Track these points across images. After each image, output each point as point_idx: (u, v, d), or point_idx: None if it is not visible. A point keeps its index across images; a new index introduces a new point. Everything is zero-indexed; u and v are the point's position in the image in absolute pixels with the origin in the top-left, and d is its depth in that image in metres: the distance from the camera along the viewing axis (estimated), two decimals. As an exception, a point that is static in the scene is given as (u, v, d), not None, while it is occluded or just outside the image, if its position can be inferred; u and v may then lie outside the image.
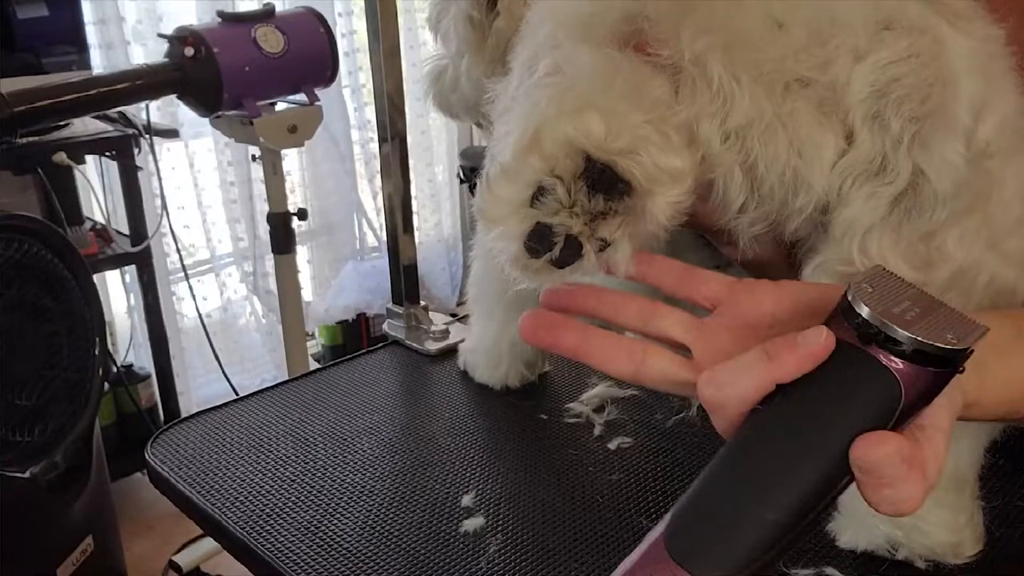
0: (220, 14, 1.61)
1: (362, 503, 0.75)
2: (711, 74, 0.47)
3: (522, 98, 0.49)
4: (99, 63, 2.10)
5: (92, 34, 2.09)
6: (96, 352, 1.43)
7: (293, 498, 0.76)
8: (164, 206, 2.06)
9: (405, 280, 1.11)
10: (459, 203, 3.15)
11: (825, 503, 0.38)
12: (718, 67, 0.47)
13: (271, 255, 1.84)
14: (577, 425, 0.86)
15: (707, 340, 0.45)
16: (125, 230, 2.04)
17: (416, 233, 1.37)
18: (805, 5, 0.48)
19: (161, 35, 1.56)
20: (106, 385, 1.86)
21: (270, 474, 0.80)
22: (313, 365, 2.15)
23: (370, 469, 0.80)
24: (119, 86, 1.46)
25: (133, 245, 1.99)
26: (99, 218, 2.09)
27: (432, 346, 1.04)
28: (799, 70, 0.48)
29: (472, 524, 0.71)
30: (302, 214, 1.82)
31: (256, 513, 0.74)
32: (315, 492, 0.77)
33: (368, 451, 0.83)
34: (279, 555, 0.69)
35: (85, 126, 1.89)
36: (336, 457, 0.82)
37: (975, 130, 0.49)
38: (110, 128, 1.92)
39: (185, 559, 1.88)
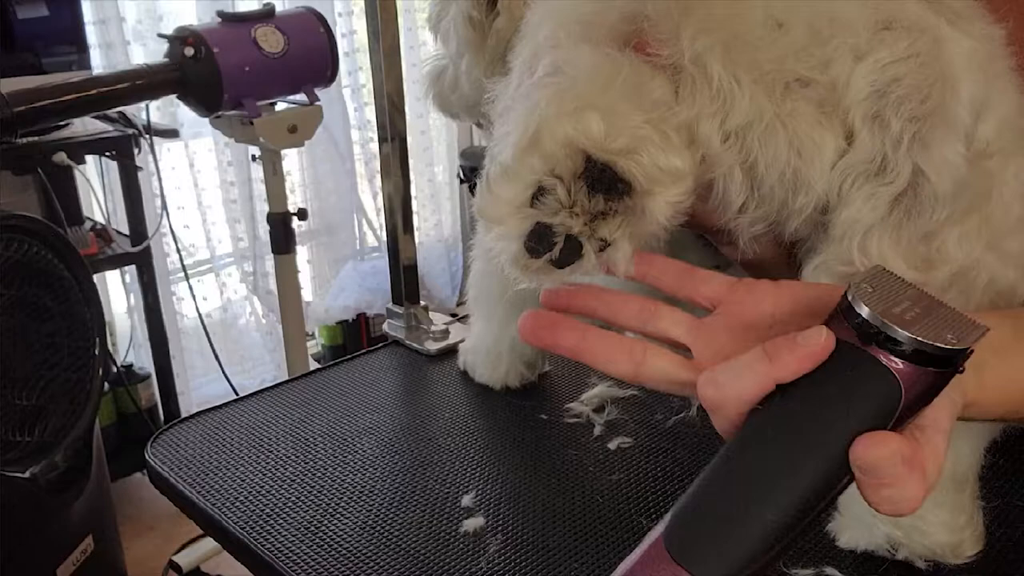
0: (220, 14, 1.61)
1: (362, 503, 0.75)
2: (711, 74, 0.47)
3: (522, 98, 0.49)
4: (99, 63, 2.10)
5: (92, 34, 2.09)
6: (96, 352, 1.43)
7: (293, 498, 0.76)
8: (164, 206, 2.06)
9: (405, 280, 1.11)
10: (459, 203, 3.15)
11: (825, 503, 0.38)
12: (718, 67, 0.47)
13: (271, 255, 1.84)
14: (577, 425, 0.86)
15: (707, 340, 0.45)
16: (125, 230, 2.04)
17: (416, 233, 1.37)
18: (805, 5, 0.48)
19: (161, 35, 1.56)
20: (106, 385, 1.86)
21: (270, 474, 0.80)
22: (313, 365, 2.15)
23: (370, 469, 0.80)
24: (119, 86, 1.46)
25: (133, 245, 1.99)
26: (99, 218, 2.09)
27: (432, 346, 1.04)
28: (799, 70, 0.48)
29: (472, 524, 0.71)
30: (302, 214, 1.82)
31: (256, 513, 0.74)
32: (315, 492, 0.77)
33: (368, 451, 0.83)
34: (279, 555, 0.69)
35: (85, 126, 1.89)
36: (336, 457, 0.82)
37: (975, 130, 0.49)
38: (110, 128, 1.92)
39: (185, 559, 1.88)
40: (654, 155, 0.44)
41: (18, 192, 1.88)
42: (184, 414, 1.17)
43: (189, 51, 1.49)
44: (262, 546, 0.70)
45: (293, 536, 0.71)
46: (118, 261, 2.03)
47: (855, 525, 0.65)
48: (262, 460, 0.82)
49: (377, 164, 1.71)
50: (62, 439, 1.36)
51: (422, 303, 1.11)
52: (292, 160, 2.59)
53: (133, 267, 2.05)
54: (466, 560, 0.67)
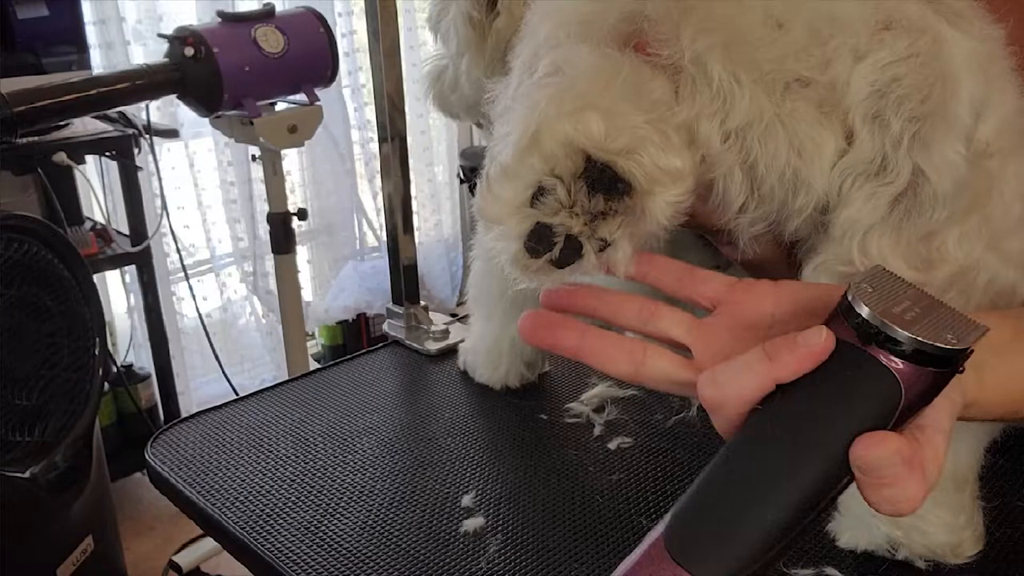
0: (220, 14, 1.61)
1: (362, 503, 0.75)
2: (711, 74, 0.47)
3: (522, 98, 0.49)
4: (99, 63, 2.10)
5: (92, 34, 2.09)
6: (96, 352, 1.43)
7: (293, 498, 0.76)
8: (164, 206, 2.06)
9: (405, 280, 1.11)
10: (459, 203, 3.15)
11: (825, 503, 0.38)
12: (718, 67, 0.47)
13: (271, 255, 1.84)
14: (577, 425, 0.86)
15: (707, 340, 0.45)
16: (125, 230, 2.04)
17: (416, 233, 1.37)
18: (805, 5, 0.48)
19: (161, 35, 1.56)
20: (106, 385, 1.86)
21: (270, 474, 0.80)
22: (313, 365, 2.15)
23: (370, 469, 0.80)
24: (119, 86, 1.46)
25: (133, 245, 1.99)
26: (99, 218, 2.09)
27: (432, 346, 1.04)
28: (799, 70, 0.48)
29: (472, 524, 0.71)
30: (302, 214, 1.82)
31: (256, 513, 0.74)
32: (315, 492, 0.77)
33: (368, 451, 0.83)
34: (279, 555, 0.69)
35: (85, 126, 1.89)
36: (336, 457, 0.82)
37: (975, 130, 0.49)
38: (110, 128, 1.92)
39: (185, 559, 1.88)
40: (654, 155, 0.44)
41: (18, 192, 1.88)
42: (184, 414, 1.17)
43: (189, 51, 1.49)
44: (262, 546, 0.70)
45: (293, 536, 0.71)
46: (118, 261, 2.03)
47: (855, 525, 0.65)
48: (262, 460, 0.82)
49: (377, 164, 1.71)
50: (62, 439, 1.36)
51: (422, 303, 1.11)
52: (292, 160, 2.59)
53: (133, 267, 2.05)
54: (466, 560, 0.67)
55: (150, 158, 2.02)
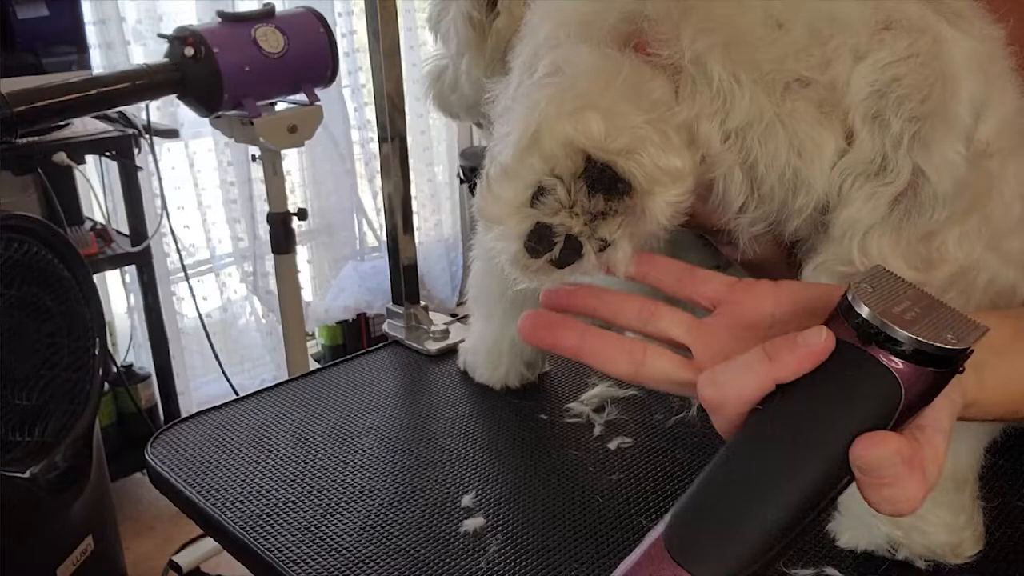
0: (220, 14, 1.61)
1: (362, 503, 0.75)
2: (711, 74, 0.48)
3: (522, 98, 0.49)
4: (99, 63, 2.10)
5: (92, 34, 2.09)
6: (96, 352, 1.43)
7: (293, 498, 0.76)
8: (164, 206, 2.06)
9: (405, 280, 1.11)
10: (459, 203, 3.15)
11: (825, 503, 0.38)
12: (718, 67, 0.47)
13: (271, 255, 1.84)
14: (577, 425, 0.86)
15: (707, 340, 0.45)
16: (125, 230, 2.04)
17: (416, 233, 1.37)
18: (805, 5, 0.48)
19: (161, 35, 1.56)
20: (106, 385, 1.86)
21: (270, 474, 0.80)
22: (313, 365, 2.15)
23: (370, 469, 0.80)
24: (119, 86, 1.46)
25: (133, 245, 1.99)
26: (99, 218, 2.09)
27: (432, 346, 1.04)
28: (799, 70, 0.48)
29: (472, 524, 0.71)
30: (302, 214, 1.82)
31: (256, 513, 0.74)
32: (315, 492, 0.77)
33: (368, 451, 0.83)
34: (279, 555, 0.69)
35: (85, 126, 1.89)
36: (336, 457, 0.82)
37: (975, 130, 0.49)
38: (110, 128, 1.92)
39: (185, 559, 1.88)
40: (654, 155, 0.44)
41: (18, 192, 1.88)
42: (184, 414, 1.17)
43: (189, 51, 1.49)
44: (262, 546, 0.70)
45: (293, 536, 0.71)
46: (118, 261, 2.03)
47: (855, 525, 0.65)
48: (262, 460, 0.82)
49: (377, 164, 1.71)
50: (62, 439, 1.36)
51: (422, 303, 1.11)
52: (292, 160, 2.59)
53: (133, 267, 2.05)
54: (466, 560, 0.67)
55: (150, 158, 2.02)
